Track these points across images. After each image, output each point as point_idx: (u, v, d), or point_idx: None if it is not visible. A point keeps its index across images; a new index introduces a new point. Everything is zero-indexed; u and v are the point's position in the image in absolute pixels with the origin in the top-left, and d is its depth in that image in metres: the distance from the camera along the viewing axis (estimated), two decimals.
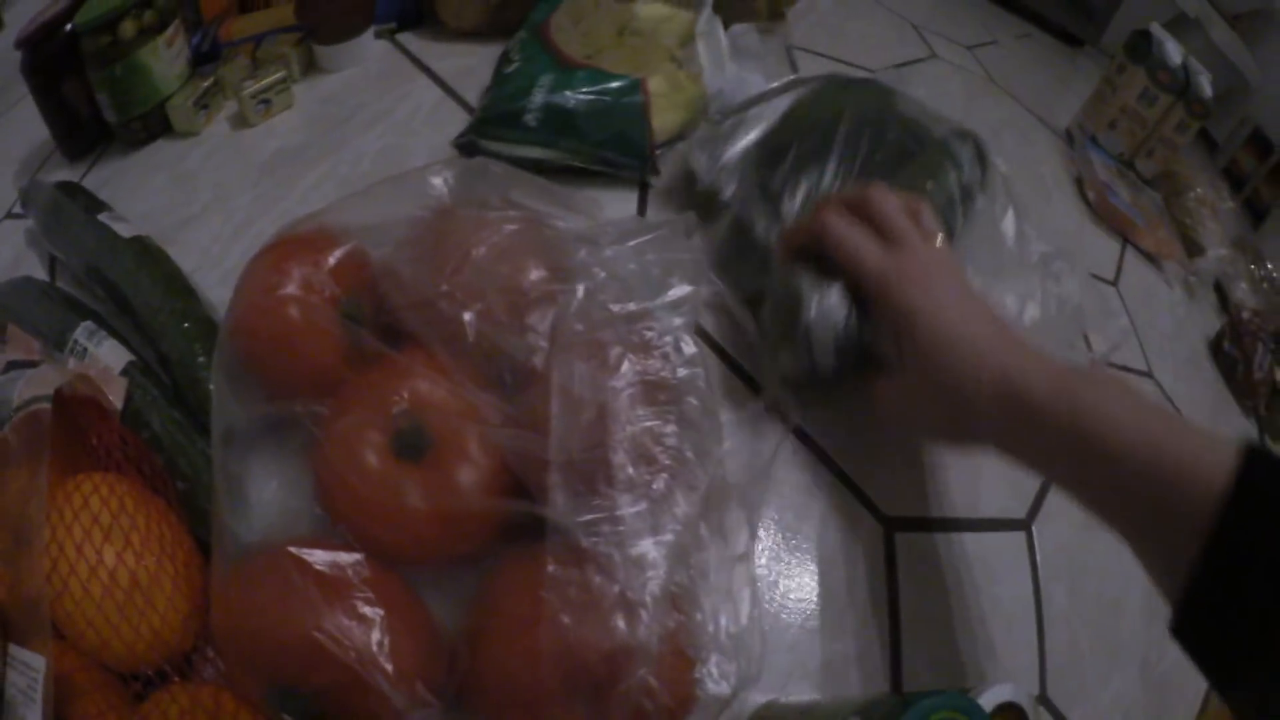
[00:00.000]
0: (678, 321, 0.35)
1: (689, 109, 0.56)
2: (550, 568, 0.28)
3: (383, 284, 0.35)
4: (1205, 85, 0.82)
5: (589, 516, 0.28)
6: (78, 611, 0.31)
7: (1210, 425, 0.65)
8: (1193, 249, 0.83)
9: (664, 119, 0.54)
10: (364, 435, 0.31)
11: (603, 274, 0.34)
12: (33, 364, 0.38)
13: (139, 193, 0.55)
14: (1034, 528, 0.50)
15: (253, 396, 0.34)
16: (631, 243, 0.36)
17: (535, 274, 0.36)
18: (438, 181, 0.38)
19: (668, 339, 0.33)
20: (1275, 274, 0.85)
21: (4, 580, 0.33)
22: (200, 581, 0.34)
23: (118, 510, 0.32)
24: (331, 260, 0.36)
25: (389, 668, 0.27)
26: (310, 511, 0.30)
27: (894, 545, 0.45)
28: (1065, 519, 0.51)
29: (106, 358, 0.42)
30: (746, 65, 0.61)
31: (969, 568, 0.46)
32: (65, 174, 0.58)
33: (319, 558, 0.28)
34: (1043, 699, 0.44)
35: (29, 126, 0.61)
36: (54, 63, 0.57)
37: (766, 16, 0.71)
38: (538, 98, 0.52)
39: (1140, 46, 0.82)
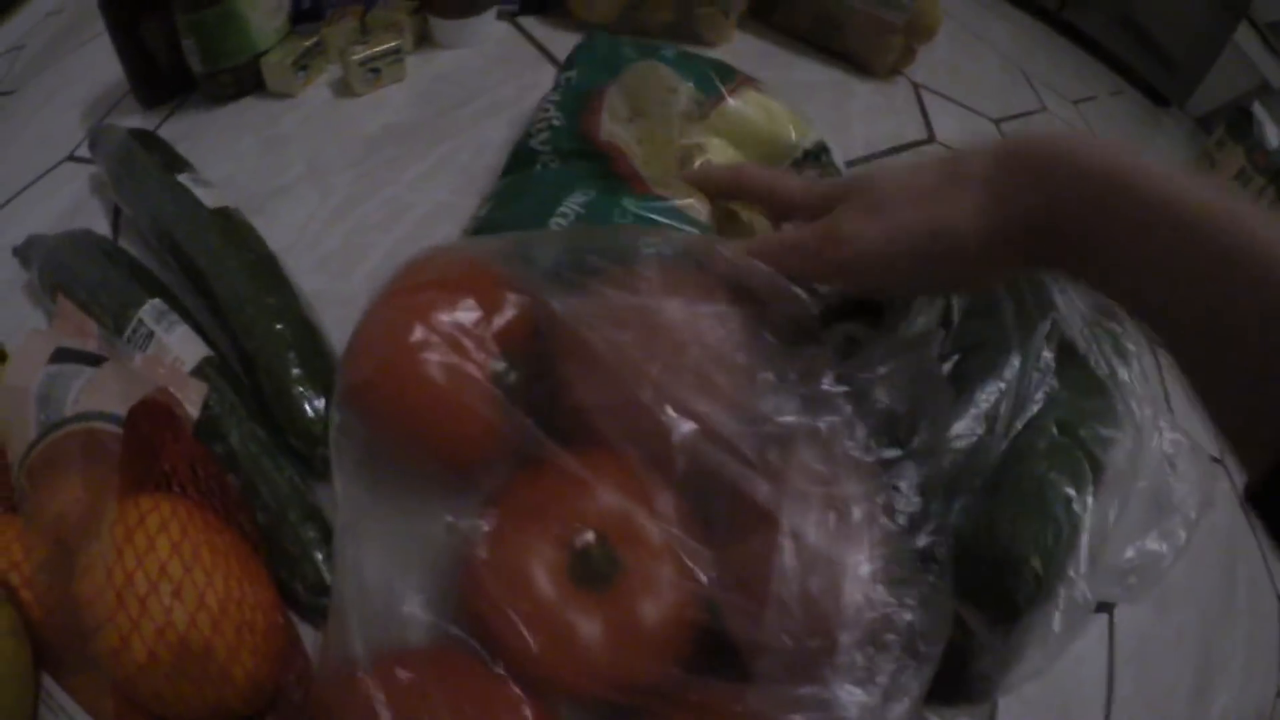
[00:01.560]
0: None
1: None
2: None
3: (570, 365, 0.27)
4: None
5: (799, 718, 0.22)
6: (140, 676, 0.24)
7: None
8: None
9: None
10: (540, 562, 0.24)
11: (849, 408, 0.26)
12: (88, 356, 0.31)
13: (223, 153, 0.49)
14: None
15: (379, 472, 0.27)
16: (882, 369, 0.29)
17: (772, 395, 0.27)
18: (650, 252, 0.29)
19: (917, 500, 0.26)
20: None
21: (45, 599, 0.26)
22: (283, 643, 0.28)
23: (191, 559, 0.25)
24: (498, 318, 0.27)
25: None
26: (443, 628, 0.23)
27: None
28: None
29: (177, 348, 0.35)
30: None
31: None
32: (138, 121, 0.52)
33: (470, 682, 0.21)
34: None
35: (101, 66, 0.55)
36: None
37: (901, 52, 0.67)
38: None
39: (1240, 125, 0.79)
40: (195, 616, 0.24)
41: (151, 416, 0.28)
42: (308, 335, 0.35)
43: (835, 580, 0.23)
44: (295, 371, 0.33)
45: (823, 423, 0.26)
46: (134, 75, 0.54)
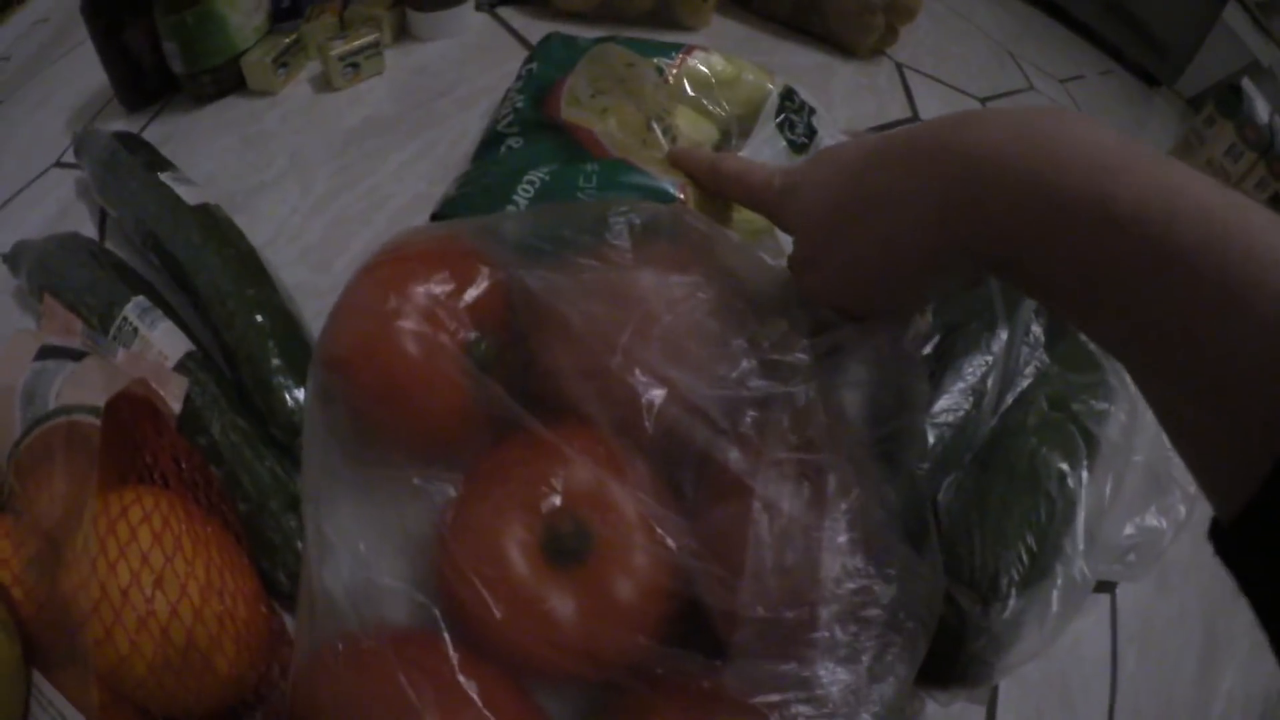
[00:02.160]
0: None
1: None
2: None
3: (542, 336, 0.27)
4: None
5: (777, 698, 0.22)
6: (123, 668, 0.25)
7: None
8: None
9: None
10: (508, 529, 0.24)
11: (825, 376, 0.26)
12: (72, 352, 0.31)
13: (205, 152, 0.49)
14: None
15: (353, 443, 0.27)
16: (856, 340, 0.28)
17: (745, 363, 0.27)
18: (620, 223, 0.29)
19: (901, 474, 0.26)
20: None
21: (35, 594, 0.27)
22: (265, 633, 0.28)
23: (172, 549, 0.25)
24: (471, 291, 0.28)
25: None
26: (410, 596, 0.23)
27: None
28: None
29: (160, 343, 0.35)
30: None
31: None
32: (123, 125, 0.52)
33: (436, 663, 0.21)
34: None
35: (85, 72, 0.56)
36: (116, 5, 0.51)
37: (882, 32, 0.67)
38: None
39: (1230, 101, 0.79)
40: (177, 607, 0.25)
41: (132, 408, 0.28)
42: (288, 326, 0.35)
43: (812, 549, 0.23)
44: (275, 362, 0.33)
45: (798, 389, 0.25)
46: (117, 80, 0.54)
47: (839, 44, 0.67)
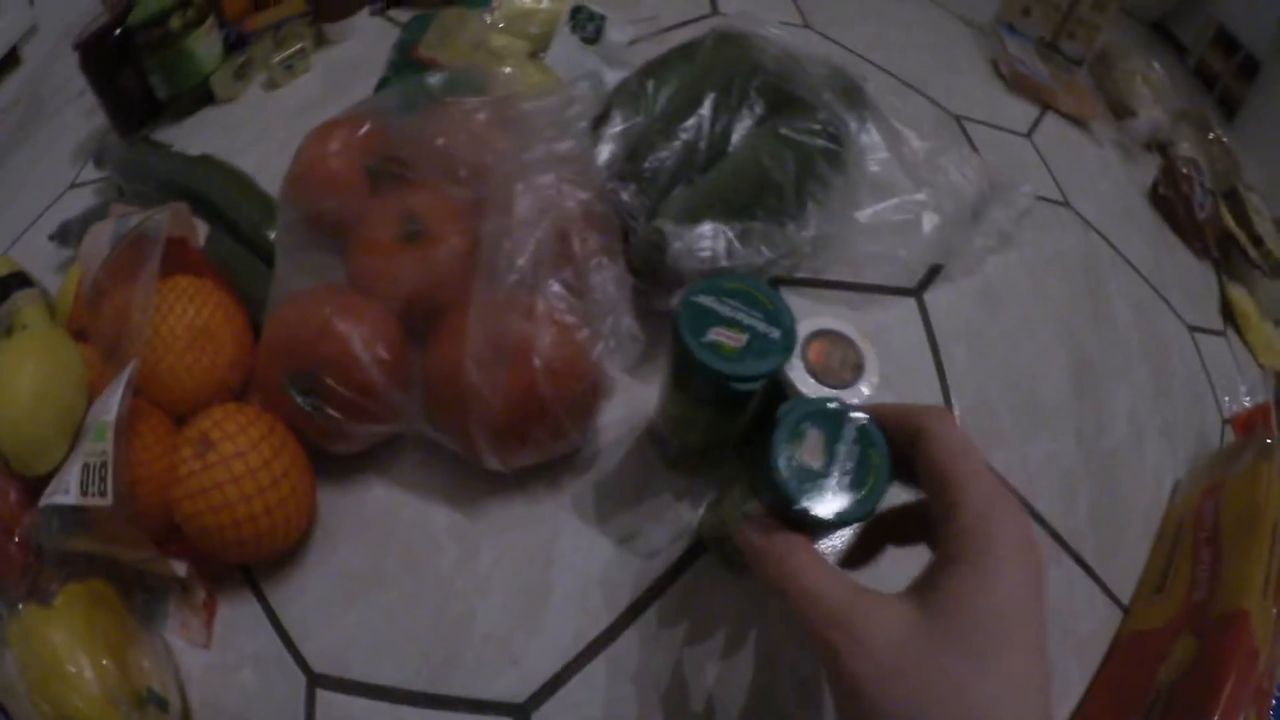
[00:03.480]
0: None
1: None
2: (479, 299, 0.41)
3: (401, 150, 0.47)
4: None
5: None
6: (161, 346, 0.43)
7: (1155, 258, 0.74)
8: (1123, 113, 0.86)
9: None
10: (383, 228, 0.45)
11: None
12: (140, 210, 0.50)
13: (193, 144, 0.68)
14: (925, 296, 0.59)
15: (301, 234, 0.47)
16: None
17: (502, 143, 0.47)
18: (433, 81, 0.51)
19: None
20: (1225, 138, 0.89)
21: (104, 376, 0.44)
22: (250, 344, 0.47)
23: (197, 289, 0.45)
24: (361, 132, 0.49)
25: (373, 350, 0.40)
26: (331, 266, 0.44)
27: None
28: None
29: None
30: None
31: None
32: None
33: (341, 292, 0.41)
34: None
35: (74, 128, 0.76)
36: (108, 59, 0.70)
37: None
38: None
39: None
40: (199, 310, 0.44)
41: (170, 237, 0.47)
42: (271, 204, 0.55)
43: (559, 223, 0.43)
44: (259, 216, 0.53)
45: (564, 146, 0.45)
46: (113, 113, 0.73)
47: None
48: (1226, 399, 0.68)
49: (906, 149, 0.62)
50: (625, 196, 0.48)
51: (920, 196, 0.60)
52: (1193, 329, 0.72)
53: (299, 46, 0.73)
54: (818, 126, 0.55)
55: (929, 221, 0.59)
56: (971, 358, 0.58)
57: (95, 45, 0.70)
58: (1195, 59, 1.09)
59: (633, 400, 0.50)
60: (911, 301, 0.60)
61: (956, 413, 0.55)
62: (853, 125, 0.59)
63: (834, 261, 0.58)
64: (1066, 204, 0.74)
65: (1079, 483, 0.55)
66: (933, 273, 0.62)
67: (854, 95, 0.61)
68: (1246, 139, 0.96)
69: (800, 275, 0.58)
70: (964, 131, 0.75)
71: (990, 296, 0.63)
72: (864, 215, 0.57)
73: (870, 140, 0.60)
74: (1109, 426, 0.59)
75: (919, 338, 0.59)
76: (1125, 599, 0.52)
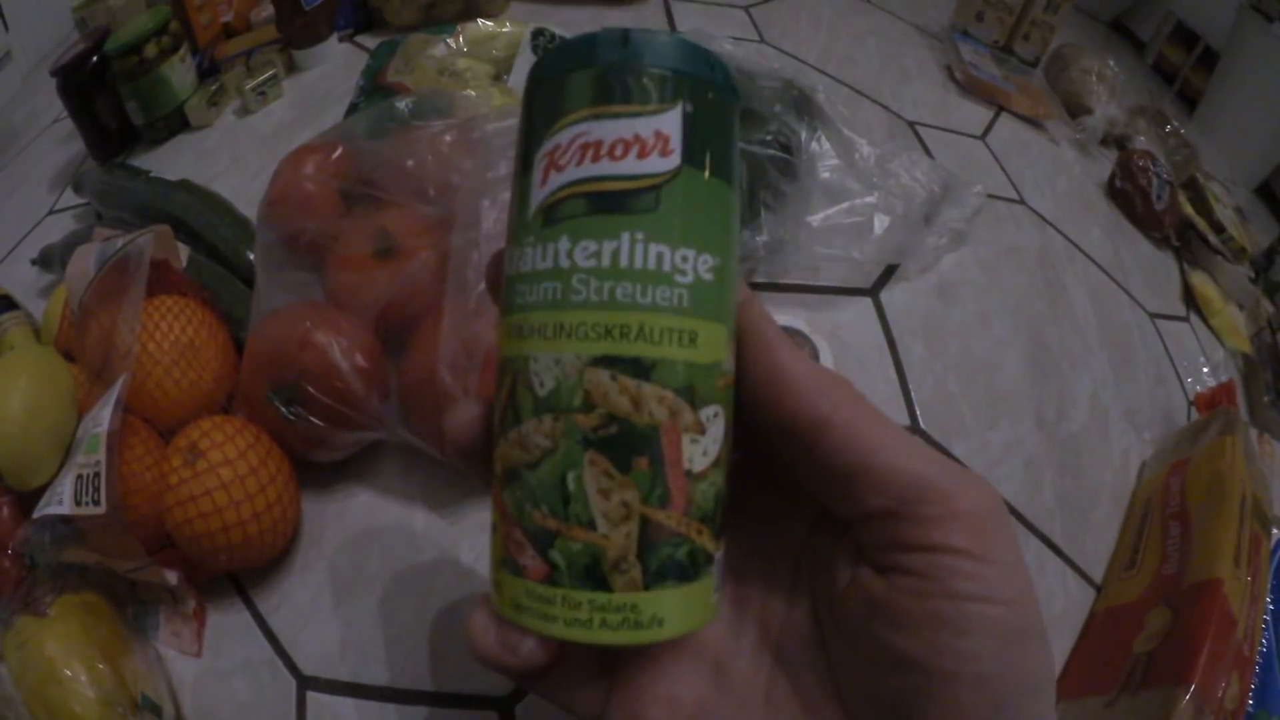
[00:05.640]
0: None
1: None
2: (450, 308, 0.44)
3: (370, 172, 0.50)
4: None
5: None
6: (149, 362, 0.45)
7: (1114, 250, 0.76)
8: (1080, 111, 0.88)
9: None
10: (357, 245, 0.47)
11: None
12: (123, 235, 0.52)
13: (169, 170, 0.70)
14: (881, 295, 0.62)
15: (278, 255, 0.49)
16: None
17: (468, 163, 0.50)
18: (401, 105, 0.53)
19: None
20: (1182, 130, 0.90)
21: (92, 396, 0.45)
22: (233, 359, 0.49)
23: (181, 307, 0.47)
24: (334, 156, 0.51)
25: (351, 359, 0.43)
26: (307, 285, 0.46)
27: None
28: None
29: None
30: None
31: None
32: None
33: (320, 306, 0.43)
34: (914, 430, 0.54)
35: (50, 155, 0.78)
36: (85, 85, 0.73)
37: None
38: None
39: None
40: (184, 327, 0.46)
41: (154, 260, 0.49)
42: (248, 227, 0.57)
43: None
44: (236, 238, 0.55)
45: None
46: (90, 140, 0.76)
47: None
48: (1190, 380, 0.69)
49: (857, 155, 0.66)
50: None
51: (871, 200, 0.63)
52: (1154, 315, 0.73)
53: (271, 73, 0.75)
54: (769, 137, 0.58)
55: (880, 223, 0.63)
56: (929, 352, 0.61)
57: (73, 71, 0.72)
58: (1154, 54, 1.13)
59: None
60: (868, 301, 0.63)
61: (916, 404, 0.58)
62: (804, 135, 0.62)
63: (790, 265, 0.61)
64: (1021, 201, 0.77)
65: (1042, 468, 0.57)
66: (888, 273, 0.65)
67: (805, 106, 0.64)
68: (1208, 129, 0.98)
69: (757, 280, 0.61)
70: (918, 137, 0.79)
71: (946, 292, 0.65)
72: (816, 220, 0.61)
73: (821, 148, 0.63)
74: (1070, 412, 0.61)
75: (876, 335, 0.61)
76: (1097, 577, 0.53)
